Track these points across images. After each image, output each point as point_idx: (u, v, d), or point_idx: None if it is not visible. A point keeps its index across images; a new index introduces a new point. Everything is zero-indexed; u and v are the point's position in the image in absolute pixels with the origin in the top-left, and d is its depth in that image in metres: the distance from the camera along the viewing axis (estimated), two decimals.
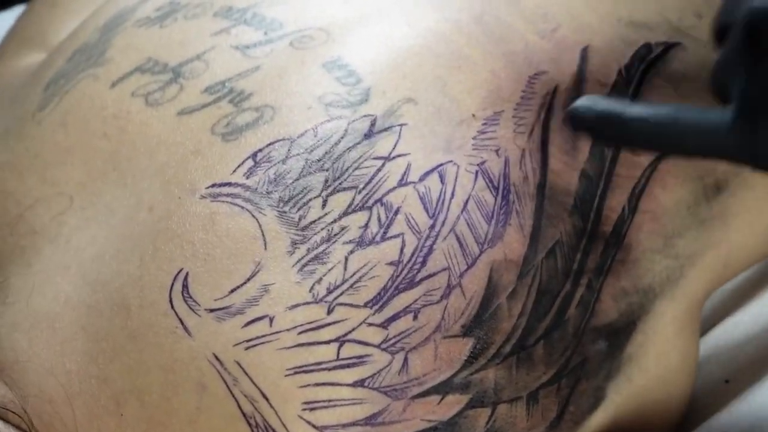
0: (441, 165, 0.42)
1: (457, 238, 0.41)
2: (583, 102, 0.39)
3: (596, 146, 0.45)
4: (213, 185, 0.41)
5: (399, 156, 0.42)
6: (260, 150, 0.42)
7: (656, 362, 0.47)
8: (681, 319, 0.48)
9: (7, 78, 0.58)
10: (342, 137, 0.42)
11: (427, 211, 0.41)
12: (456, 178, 0.42)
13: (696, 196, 0.47)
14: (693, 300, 0.49)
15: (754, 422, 0.48)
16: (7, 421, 0.39)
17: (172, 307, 0.39)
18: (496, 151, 0.43)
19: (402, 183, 0.41)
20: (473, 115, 0.44)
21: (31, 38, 0.62)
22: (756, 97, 0.35)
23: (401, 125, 0.43)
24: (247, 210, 0.40)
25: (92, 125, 0.46)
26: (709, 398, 0.52)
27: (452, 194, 0.42)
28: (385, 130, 0.43)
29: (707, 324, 0.54)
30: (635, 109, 0.38)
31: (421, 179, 0.41)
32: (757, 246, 0.52)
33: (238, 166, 0.42)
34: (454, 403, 0.39)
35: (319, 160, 0.41)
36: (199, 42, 0.48)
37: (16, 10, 0.85)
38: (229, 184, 0.41)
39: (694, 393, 0.52)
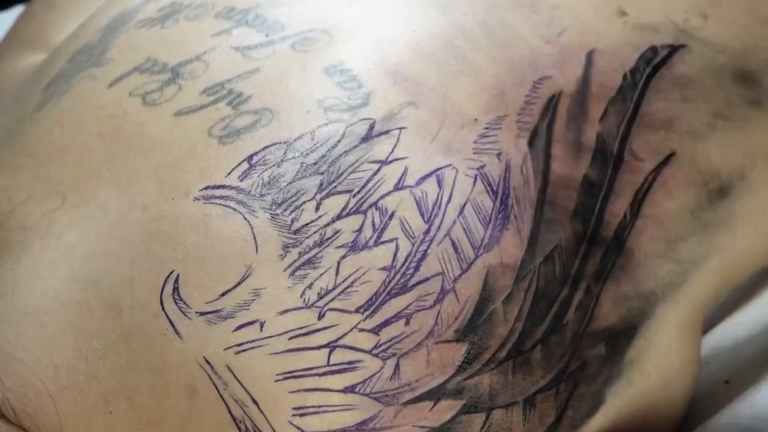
0: (439, 169, 0.42)
1: (453, 243, 0.40)
2: None
3: (599, 151, 0.45)
4: (207, 187, 0.41)
5: (396, 160, 0.42)
6: (256, 153, 0.42)
7: (658, 366, 0.46)
8: (684, 324, 0.48)
9: (7, 79, 0.58)
10: (339, 140, 0.42)
11: (422, 215, 0.40)
12: (454, 182, 0.42)
13: (700, 201, 0.47)
14: (697, 304, 0.49)
15: (753, 423, 0.48)
16: None
17: (163, 309, 0.39)
18: (498, 155, 0.43)
19: (398, 187, 0.41)
20: (475, 119, 0.44)
21: (30, 39, 0.62)
22: None
23: (400, 129, 0.42)
24: (240, 212, 0.40)
25: (88, 125, 0.46)
26: (709, 399, 0.52)
27: (449, 198, 0.41)
28: (384, 133, 0.42)
29: (707, 324, 0.54)
30: None
31: (418, 183, 0.41)
32: (762, 250, 0.51)
33: (233, 169, 0.41)
34: (447, 408, 0.39)
35: (314, 164, 0.41)
36: (200, 42, 0.48)
37: (16, 11, 0.85)
38: (222, 187, 0.41)
39: (693, 394, 0.52)
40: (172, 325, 0.38)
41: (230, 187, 0.41)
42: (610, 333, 0.44)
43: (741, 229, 0.49)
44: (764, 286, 0.54)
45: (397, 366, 0.39)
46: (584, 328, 0.43)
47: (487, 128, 0.44)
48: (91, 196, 0.44)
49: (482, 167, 0.42)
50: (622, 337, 0.45)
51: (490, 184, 0.42)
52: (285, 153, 0.42)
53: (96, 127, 0.46)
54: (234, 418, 0.37)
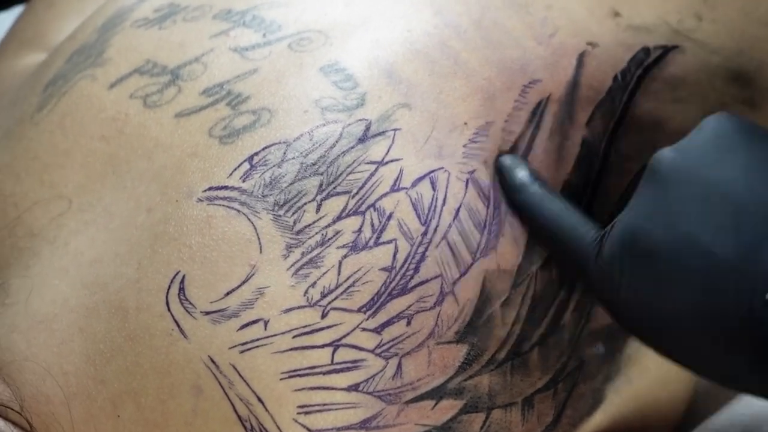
0: (433, 171, 0.42)
1: (450, 247, 0.41)
2: (506, 161, 0.43)
3: (583, 157, 0.46)
4: (210, 188, 0.42)
5: (392, 161, 0.42)
6: (256, 153, 0.42)
7: (656, 362, 0.47)
8: None
9: (6, 79, 0.57)
10: (337, 141, 0.42)
11: (419, 217, 0.41)
12: (447, 185, 0.42)
13: None
14: None
15: (752, 422, 0.49)
16: (7, 418, 0.39)
17: (169, 309, 0.39)
18: (484, 162, 0.44)
19: (395, 188, 0.41)
20: (465, 123, 0.44)
21: (30, 39, 0.62)
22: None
23: (395, 130, 0.43)
24: (243, 213, 0.41)
25: (90, 127, 0.46)
26: (709, 398, 0.52)
27: (444, 201, 0.42)
28: (380, 134, 0.42)
29: None
30: (532, 193, 0.42)
31: (414, 185, 0.42)
32: None
33: (235, 170, 0.42)
34: (448, 408, 0.40)
35: (314, 164, 0.42)
36: (198, 44, 0.48)
37: (16, 11, 0.84)
38: (225, 188, 0.41)
39: (693, 393, 0.52)
40: (178, 325, 0.39)
41: (233, 188, 0.41)
42: (608, 331, 0.44)
43: None
44: None
45: (399, 365, 0.39)
46: (581, 329, 0.43)
47: (476, 133, 0.44)
48: (97, 200, 0.44)
49: (473, 172, 0.43)
50: (619, 335, 0.45)
51: (481, 189, 0.43)
52: (285, 153, 0.42)
53: (98, 130, 0.46)
54: (239, 417, 0.38)
